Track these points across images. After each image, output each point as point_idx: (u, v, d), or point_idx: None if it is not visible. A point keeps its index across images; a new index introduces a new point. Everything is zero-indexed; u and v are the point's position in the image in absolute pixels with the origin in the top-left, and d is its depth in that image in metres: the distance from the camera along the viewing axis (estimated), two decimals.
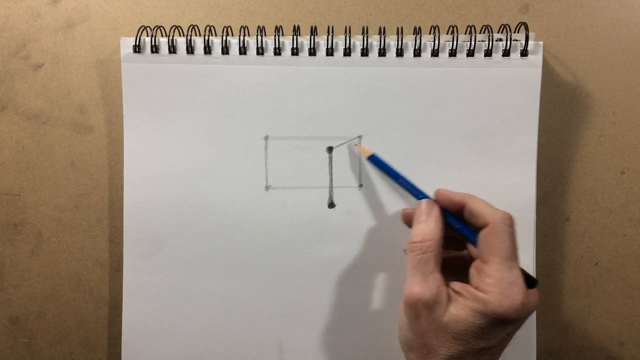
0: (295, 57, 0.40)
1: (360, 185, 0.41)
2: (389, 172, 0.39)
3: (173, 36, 0.39)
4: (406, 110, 0.40)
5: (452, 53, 0.40)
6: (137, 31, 0.39)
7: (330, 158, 0.41)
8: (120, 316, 0.42)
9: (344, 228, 0.41)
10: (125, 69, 0.40)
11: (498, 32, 0.41)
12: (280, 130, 0.40)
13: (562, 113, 0.43)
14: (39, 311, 0.44)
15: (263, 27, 0.40)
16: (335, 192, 0.41)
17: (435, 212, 0.34)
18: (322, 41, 0.40)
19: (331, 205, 0.41)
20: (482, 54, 0.40)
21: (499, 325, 0.30)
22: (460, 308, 0.30)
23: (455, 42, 0.39)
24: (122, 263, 0.42)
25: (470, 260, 0.33)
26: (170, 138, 0.40)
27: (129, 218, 0.40)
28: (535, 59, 0.40)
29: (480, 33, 0.40)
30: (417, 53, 0.40)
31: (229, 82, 0.40)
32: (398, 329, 0.34)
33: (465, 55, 0.40)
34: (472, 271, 0.32)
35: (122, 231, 0.41)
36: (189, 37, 0.39)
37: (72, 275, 0.44)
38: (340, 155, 0.40)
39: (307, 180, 0.41)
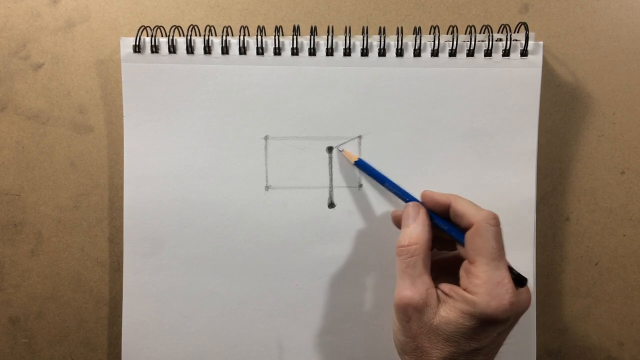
0: (295, 57, 0.40)
1: (360, 185, 0.41)
2: (375, 176, 0.39)
3: (173, 36, 0.39)
4: (406, 110, 0.40)
5: (452, 53, 0.40)
6: (137, 31, 0.39)
7: (330, 158, 0.41)
8: (120, 316, 0.42)
9: (344, 228, 0.41)
10: (125, 69, 0.40)
11: (498, 32, 0.41)
12: (280, 130, 0.40)
13: (562, 113, 0.43)
14: (39, 311, 0.44)
15: (263, 27, 0.40)
16: (335, 192, 0.41)
17: (422, 215, 0.34)
18: (322, 41, 0.40)
19: (331, 205, 0.41)
20: (482, 54, 0.40)
21: (489, 326, 0.30)
22: (450, 310, 0.30)
23: (455, 42, 0.39)
24: (122, 263, 0.42)
25: (461, 260, 0.33)
26: (170, 138, 0.40)
27: (129, 218, 0.40)
28: (535, 59, 0.40)
29: (480, 33, 0.40)
30: (417, 53, 0.40)
31: (229, 82, 0.40)
32: (392, 332, 0.34)
33: (465, 55, 0.40)
34: (461, 272, 0.32)
35: (122, 231, 0.41)
36: (189, 37, 0.39)
37: (72, 275, 0.44)
38: (340, 155, 0.40)
39: (307, 180, 0.41)
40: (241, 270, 0.41)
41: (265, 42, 0.40)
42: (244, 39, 0.39)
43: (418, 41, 0.39)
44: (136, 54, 0.40)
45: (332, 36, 0.39)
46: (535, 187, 0.40)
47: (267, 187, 0.41)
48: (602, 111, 0.43)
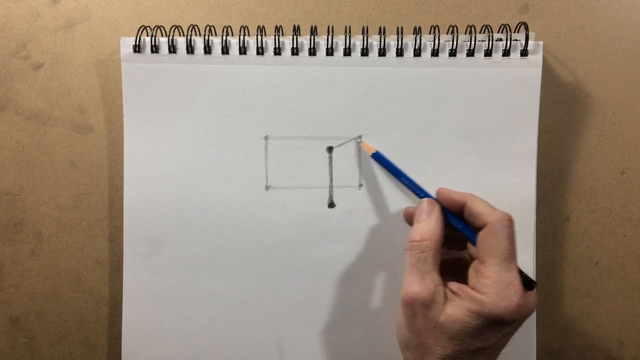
0: (295, 57, 0.40)
1: (360, 185, 0.41)
2: (391, 169, 0.39)
3: (173, 36, 0.39)
4: (406, 110, 0.40)
5: (452, 53, 0.40)
6: (137, 31, 0.39)
7: (330, 158, 0.41)
8: (120, 316, 0.42)
9: (344, 228, 0.41)
10: (125, 69, 0.40)
11: (498, 32, 0.41)
12: (280, 130, 0.40)
13: (562, 113, 0.43)
14: (39, 311, 0.44)
15: (263, 27, 0.40)
16: (335, 192, 0.41)
17: (436, 211, 0.34)
18: (322, 41, 0.40)
19: (331, 205, 0.41)
20: (482, 54, 0.40)
21: (495, 326, 0.30)
22: (457, 308, 0.30)
23: (455, 42, 0.39)
24: (122, 263, 0.42)
25: (470, 261, 0.33)
26: (170, 138, 0.40)
27: (129, 218, 0.40)
28: (535, 59, 0.40)
29: (480, 33, 0.40)
30: (417, 53, 0.40)
31: (229, 82, 0.40)
32: (396, 327, 0.34)
33: (465, 55, 0.40)
34: (471, 272, 0.32)
35: (122, 231, 0.41)
36: (189, 37, 0.39)
37: (72, 275, 0.44)
38: (340, 155, 0.40)
39: (307, 180, 0.41)
40: (241, 270, 0.41)
41: (265, 42, 0.40)
42: (244, 39, 0.39)
43: (418, 41, 0.39)
44: (136, 54, 0.39)
45: (332, 36, 0.39)
46: (535, 187, 0.40)
47: (267, 187, 0.41)
48: (602, 111, 0.43)
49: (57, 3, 0.43)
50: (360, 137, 0.40)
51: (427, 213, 0.34)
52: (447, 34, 0.40)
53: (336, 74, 0.40)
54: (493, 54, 0.40)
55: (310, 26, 0.40)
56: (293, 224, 0.41)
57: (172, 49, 0.39)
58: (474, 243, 0.33)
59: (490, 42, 0.39)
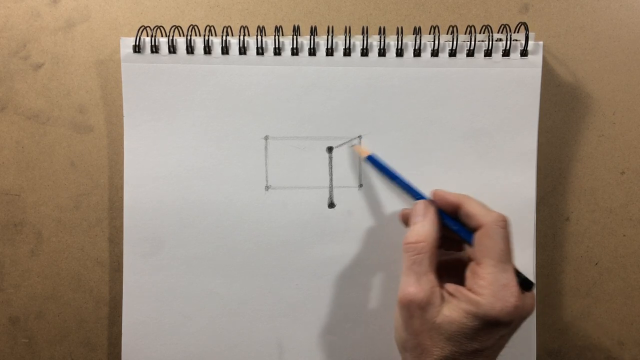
0: (295, 57, 0.40)
1: (360, 185, 0.41)
2: (386, 172, 0.39)
3: (173, 36, 0.39)
4: (406, 110, 0.40)
5: (452, 53, 0.40)
6: (137, 31, 0.39)
7: (330, 158, 0.41)
8: (120, 316, 0.42)
9: (344, 228, 0.41)
10: (125, 69, 0.40)
11: (498, 32, 0.41)
12: (280, 130, 0.40)
13: (562, 113, 0.43)
14: (39, 311, 0.44)
15: (263, 27, 0.40)
16: (335, 192, 0.41)
17: (431, 213, 0.34)
18: (322, 41, 0.40)
19: (331, 205, 0.41)
20: (482, 54, 0.40)
21: (492, 328, 0.30)
22: (453, 309, 0.30)
23: (455, 42, 0.39)
24: (122, 263, 0.42)
25: (468, 261, 0.33)
26: (170, 138, 0.40)
27: (129, 218, 0.40)
28: (535, 59, 0.40)
29: (480, 33, 0.40)
30: (417, 53, 0.40)
31: (229, 82, 0.40)
32: (394, 329, 0.34)
33: (465, 55, 0.40)
34: (467, 273, 0.32)
35: (122, 231, 0.41)
36: (189, 37, 0.39)
37: (72, 275, 0.44)
38: (340, 155, 0.40)
39: (307, 180, 0.41)
40: (241, 270, 0.41)
41: (265, 42, 0.40)
42: (244, 39, 0.39)
43: (418, 41, 0.39)
44: (136, 54, 0.40)
45: (332, 36, 0.39)
46: (535, 187, 0.40)
47: (267, 187, 0.41)
48: (602, 111, 0.43)
49: (57, 3, 0.43)
50: (360, 137, 0.40)
51: (422, 215, 0.34)
52: (447, 34, 0.40)
53: (336, 74, 0.40)
54: (493, 54, 0.40)
55: (310, 26, 0.40)
56: (293, 224, 0.41)
57: (172, 49, 0.39)
58: (470, 244, 0.33)
59: (490, 42, 0.39)
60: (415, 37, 0.39)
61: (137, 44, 0.39)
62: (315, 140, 0.40)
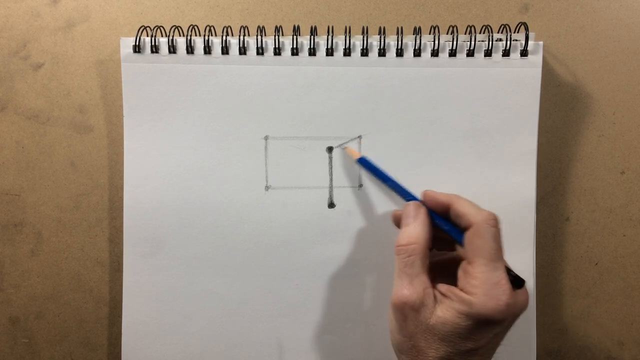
0: (295, 57, 0.40)
1: (360, 185, 0.41)
2: (377, 174, 0.39)
3: (173, 36, 0.39)
4: (406, 110, 0.40)
5: (452, 53, 0.40)
6: (137, 31, 0.39)
7: (330, 158, 0.41)
8: (120, 316, 0.42)
9: (344, 228, 0.41)
10: (125, 69, 0.40)
11: (498, 32, 0.41)
12: (280, 130, 0.40)
13: (562, 113, 0.43)
14: (39, 311, 0.44)
15: (263, 27, 0.40)
16: (335, 192, 0.41)
17: (422, 214, 0.34)
18: (322, 41, 0.40)
19: (331, 205, 0.41)
20: (482, 54, 0.40)
21: (485, 326, 0.30)
22: (447, 310, 0.30)
23: (455, 42, 0.39)
24: (122, 263, 0.42)
25: (460, 261, 0.33)
26: (170, 138, 0.40)
27: (129, 218, 0.40)
28: (535, 59, 0.40)
29: (480, 33, 0.40)
30: (417, 53, 0.40)
31: (229, 82, 0.40)
32: (389, 331, 0.34)
33: (465, 55, 0.40)
34: (460, 272, 0.32)
35: (122, 231, 0.41)
36: (189, 37, 0.39)
37: (72, 275, 0.44)
38: (340, 155, 0.40)
39: (307, 180, 0.41)
40: (241, 270, 0.41)
41: (265, 42, 0.40)
42: (244, 39, 0.39)
43: (418, 41, 0.39)
44: (136, 54, 0.40)
45: (332, 36, 0.39)
46: (535, 187, 0.40)
47: (267, 187, 0.41)
48: (602, 111, 0.43)
49: (57, 3, 0.43)
50: (360, 137, 0.40)
51: (413, 216, 0.34)
52: (447, 34, 0.40)
53: (336, 74, 0.40)
54: (493, 54, 0.40)
55: (310, 26, 0.40)
56: (293, 224, 0.41)
57: (172, 49, 0.39)
58: (461, 244, 0.33)
59: (490, 42, 0.39)
60: (415, 37, 0.39)
61: (137, 44, 0.39)
62: (315, 140, 0.40)
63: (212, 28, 0.40)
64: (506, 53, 0.40)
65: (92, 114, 0.43)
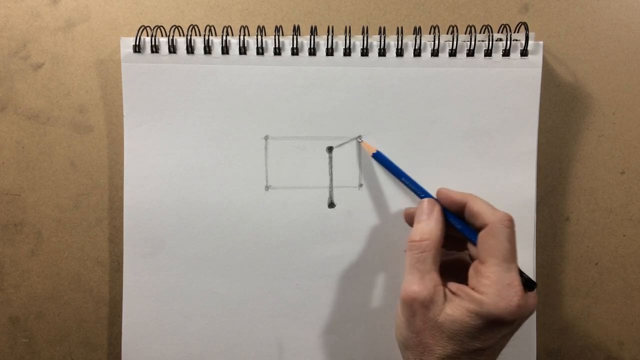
0: (295, 57, 0.40)
1: (360, 185, 0.41)
2: (392, 169, 0.39)
3: (173, 36, 0.39)
4: (406, 110, 0.40)
5: (452, 53, 0.40)
6: (137, 31, 0.39)
7: (330, 158, 0.41)
8: (120, 316, 0.42)
9: (344, 228, 0.41)
10: (125, 69, 0.40)
11: (498, 32, 0.41)
12: (280, 130, 0.40)
13: (562, 113, 0.43)
14: (39, 311, 0.44)
15: (263, 27, 0.40)
16: (335, 192, 0.41)
17: (436, 211, 0.34)
18: (322, 41, 0.40)
19: (331, 205, 0.41)
20: (482, 54, 0.40)
21: (495, 327, 0.30)
22: (456, 308, 0.30)
23: (455, 42, 0.39)
24: (122, 263, 0.42)
25: (470, 262, 0.33)
26: (170, 138, 0.40)
27: (129, 218, 0.40)
28: (535, 59, 0.40)
29: (480, 33, 0.40)
30: (417, 53, 0.40)
31: (229, 82, 0.40)
32: (395, 326, 0.34)
33: (465, 55, 0.40)
34: (471, 272, 0.32)
35: (122, 231, 0.41)
36: (189, 37, 0.39)
37: (72, 275, 0.44)
38: (340, 155, 0.40)
39: (307, 180, 0.41)
40: (241, 270, 0.41)
41: (265, 42, 0.40)
42: (244, 39, 0.39)
43: (418, 41, 0.39)
44: (136, 54, 0.40)
45: (332, 36, 0.39)
46: (535, 187, 0.40)
47: (267, 187, 0.41)
48: (602, 111, 0.43)
49: (57, 3, 0.43)
50: (360, 137, 0.40)
51: (427, 213, 0.34)
52: (447, 34, 0.40)
53: (336, 74, 0.40)
54: (493, 54, 0.40)
55: (310, 26, 0.40)
56: (293, 224, 0.41)
57: (172, 49, 0.39)
58: (474, 243, 0.33)
59: (490, 42, 0.39)
60: (415, 37, 0.39)
61: (137, 44, 0.39)
62: (315, 140, 0.40)
63: (212, 28, 0.40)
64: (506, 53, 0.40)
65: (92, 114, 0.43)
